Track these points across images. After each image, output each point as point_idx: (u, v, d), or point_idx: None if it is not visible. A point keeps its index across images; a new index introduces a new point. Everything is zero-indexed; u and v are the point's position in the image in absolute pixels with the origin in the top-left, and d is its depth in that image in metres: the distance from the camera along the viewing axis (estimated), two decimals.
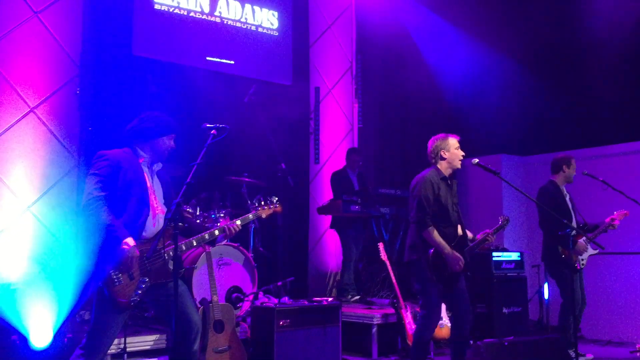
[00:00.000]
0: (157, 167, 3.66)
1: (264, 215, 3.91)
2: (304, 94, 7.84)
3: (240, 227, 3.76)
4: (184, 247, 3.55)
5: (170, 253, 3.44)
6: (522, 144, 8.01)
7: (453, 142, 4.55)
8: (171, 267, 3.44)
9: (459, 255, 4.32)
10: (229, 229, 3.71)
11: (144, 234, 3.46)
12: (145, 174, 3.56)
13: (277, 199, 3.96)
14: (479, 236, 4.50)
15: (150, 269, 3.42)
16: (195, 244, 3.63)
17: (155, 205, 3.54)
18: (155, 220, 3.52)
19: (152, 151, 3.59)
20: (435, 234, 4.32)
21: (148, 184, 3.53)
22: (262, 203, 3.91)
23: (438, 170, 4.52)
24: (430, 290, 4.36)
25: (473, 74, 8.08)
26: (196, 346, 3.53)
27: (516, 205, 7.70)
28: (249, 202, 5.88)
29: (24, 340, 4.30)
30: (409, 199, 4.53)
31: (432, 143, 4.60)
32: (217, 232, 3.70)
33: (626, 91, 7.07)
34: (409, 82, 8.46)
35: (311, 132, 7.89)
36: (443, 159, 4.52)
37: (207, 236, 3.66)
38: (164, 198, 3.65)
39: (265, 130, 6.27)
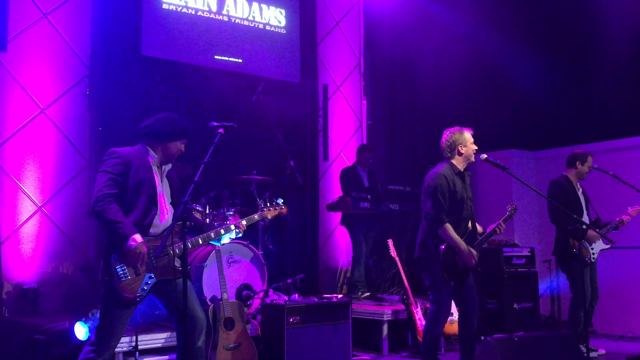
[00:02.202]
0: (167, 167, 3.71)
1: (269, 217, 3.97)
2: (312, 92, 7.83)
3: (245, 227, 3.80)
4: (189, 245, 3.58)
5: (177, 251, 3.48)
6: (533, 139, 7.95)
7: (469, 136, 4.44)
8: (176, 264, 3.49)
9: (473, 250, 4.31)
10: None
11: (151, 231, 3.51)
12: (155, 174, 3.60)
13: (282, 200, 3.99)
14: (489, 230, 4.48)
15: (156, 266, 3.46)
16: (201, 242, 3.68)
17: (164, 204, 3.59)
18: (163, 218, 3.57)
19: (163, 153, 3.63)
20: (452, 231, 4.26)
21: (157, 183, 3.58)
22: (268, 204, 3.96)
23: (452, 165, 4.42)
24: (441, 287, 4.34)
25: (483, 68, 8.04)
26: (200, 342, 3.55)
27: (527, 200, 7.65)
28: (258, 200, 5.89)
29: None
30: (422, 195, 4.44)
31: (448, 137, 4.44)
32: (222, 231, 3.74)
33: (637, 84, 7.01)
34: (418, 78, 8.43)
35: (320, 129, 7.88)
36: (460, 154, 4.41)
37: (213, 235, 3.70)
38: (173, 197, 3.70)
39: (274, 128, 6.27)
